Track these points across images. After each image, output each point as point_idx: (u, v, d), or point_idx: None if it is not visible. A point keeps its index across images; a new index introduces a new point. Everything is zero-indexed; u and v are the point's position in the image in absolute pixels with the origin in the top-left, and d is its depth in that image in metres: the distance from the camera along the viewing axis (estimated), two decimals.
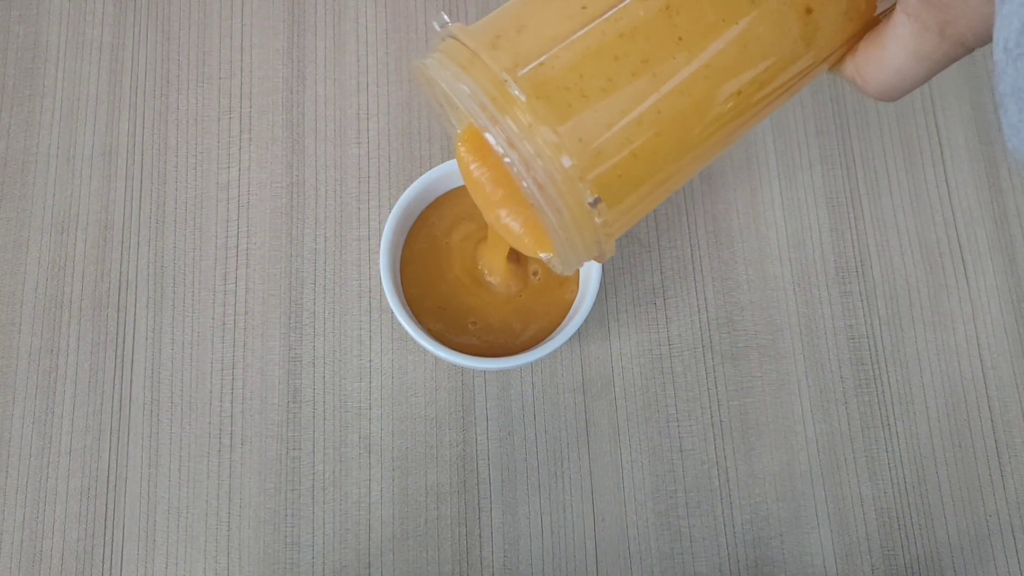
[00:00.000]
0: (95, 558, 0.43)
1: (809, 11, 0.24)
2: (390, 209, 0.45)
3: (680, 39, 0.22)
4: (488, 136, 0.21)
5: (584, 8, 0.22)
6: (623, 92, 0.22)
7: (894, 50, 0.24)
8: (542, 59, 0.22)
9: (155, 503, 0.44)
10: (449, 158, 0.47)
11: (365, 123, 0.49)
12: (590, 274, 0.41)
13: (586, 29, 0.22)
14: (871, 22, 0.26)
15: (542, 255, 0.28)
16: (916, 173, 0.49)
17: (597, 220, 0.22)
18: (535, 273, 0.42)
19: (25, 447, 0.45)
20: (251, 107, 0.50)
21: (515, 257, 0.40)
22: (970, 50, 0.24)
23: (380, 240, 0.42)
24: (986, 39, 0.23)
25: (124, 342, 0.46)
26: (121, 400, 0.45)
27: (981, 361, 0.47)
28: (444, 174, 0.43)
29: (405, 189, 0.42)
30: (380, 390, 0.46)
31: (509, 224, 0.29)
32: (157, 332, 0.46)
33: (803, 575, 0.44)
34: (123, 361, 0.46)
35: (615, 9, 0.22)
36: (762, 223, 0.48)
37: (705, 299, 0.47)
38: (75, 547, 0.43)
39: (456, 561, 0.43)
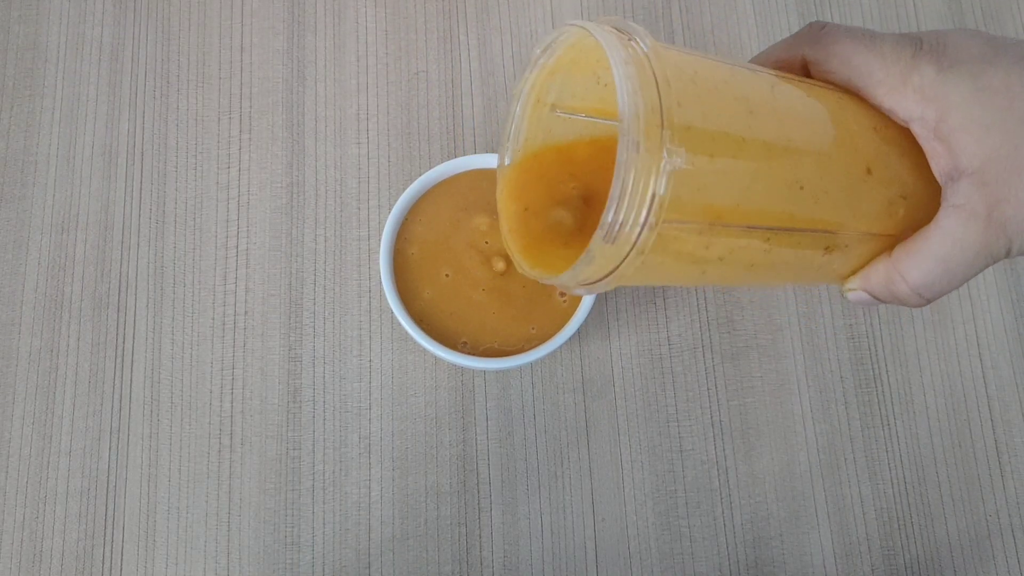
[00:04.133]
0: (95, 558, 0.43)
1: (869, 172, 0.27)
2: (390, 209, 0.45)
3: (775, 110, 0.26)
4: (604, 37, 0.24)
5: (721, 59, 0.27)
6: (722, 102, 0.25)
7: (937, 239, 0.26)
8: (669, 47, 0.26)
9: (155, 503, 0.44)
10: (448, 157, 0.47)
11: (365, 123, 0.49)
12: None
13: (713, 61, 0.26)
14: (897, 238, 0.28)
15: (542, 276, 0.30)
16: None
17: (664, 163, 0.23)
18: (563, 294, 0.42)
19: (25, 447, 0.45)
20: (251, 107, 0.50)
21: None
22: (1008, 249, 0.25)
23: (380, 240, 0.42)
24: None
25: (124, 342, 0.46)
26: (121, 400, 0.45)
27: (981, 361, 0.47)
28: (443, 173, 0.43)
29: (405, 189, 0.42)
30: (380, 390, 0.46)
31: (516, 243, 0.32)
32: (157, 332, 0.46)
33: (803, 575, 0.44)
34: (123, 361, 0.46)
35: (740, 65, 0.27)
36: None
37: (705, 299, 0.47)
38: (75, 547, 0.43)
39: (456, 561, 0.43)
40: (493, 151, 0.48)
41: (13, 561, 0.43)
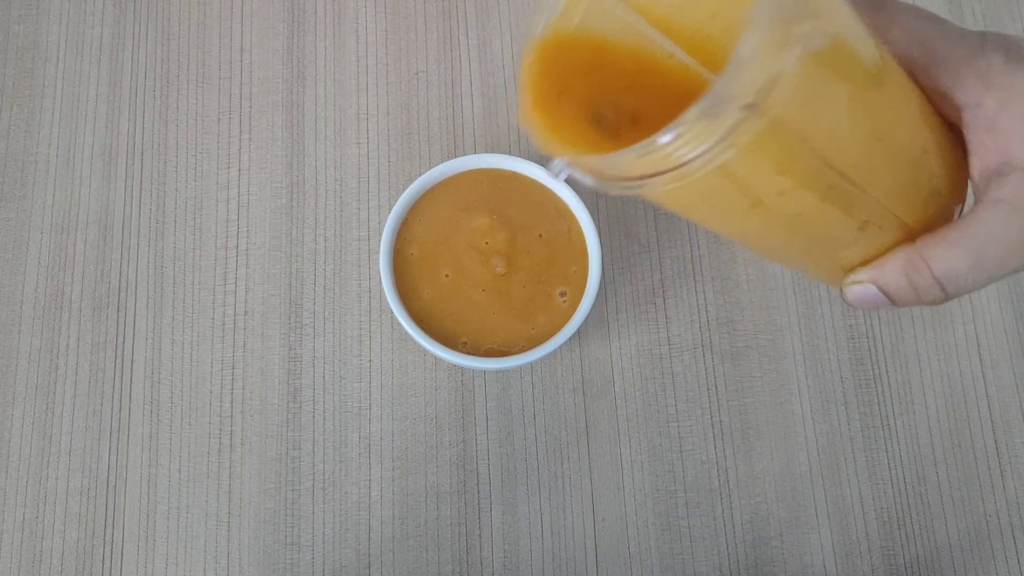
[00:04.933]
0: (95, 558, 0.43)
1: (925, 151, 0.26)
2: (390, 209, 0.45)
3: (877, 49, 0.24)
4: None
5: None
6: (846, 20, 0.23)
7: (973, 229, 0.24)
8: None
9: (155, 503, 0.44)
10: (448, 157, 0.47)
11: (365, 123, 0.49)
12: (590, 274, 0.41)
13: None
14: (916, 235, 0.26)
15: (576, 155, 0.26)
16: None
17: (800, 34, 0.20)
18: (563, 294, 0.42)
19: (25, 447, 0.45)
20: (251, 107, 0.50)
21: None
22: None
23: (380, 240, 0.42)
24: None
25: (124, 342, 0.46)
26: (121, 400, 0.45)
27: (981, 361, 0.47)
28: (443, 173, 0.43)
29: (405, 189, 0.42)
30: (380, 390, 0.46)
31: (543, 119, 0.27)
32: (157, 332, 0.46)
33: (803, 575, 0.44)
34: (123, 361, 0.46)
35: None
36: None
37: (705, 299, 0.47)
38: (75, 547, 0.43)
39: (456, 561, 0.43)
40: (493, 151, 0.48)
41: (13, 561, 0.43)
